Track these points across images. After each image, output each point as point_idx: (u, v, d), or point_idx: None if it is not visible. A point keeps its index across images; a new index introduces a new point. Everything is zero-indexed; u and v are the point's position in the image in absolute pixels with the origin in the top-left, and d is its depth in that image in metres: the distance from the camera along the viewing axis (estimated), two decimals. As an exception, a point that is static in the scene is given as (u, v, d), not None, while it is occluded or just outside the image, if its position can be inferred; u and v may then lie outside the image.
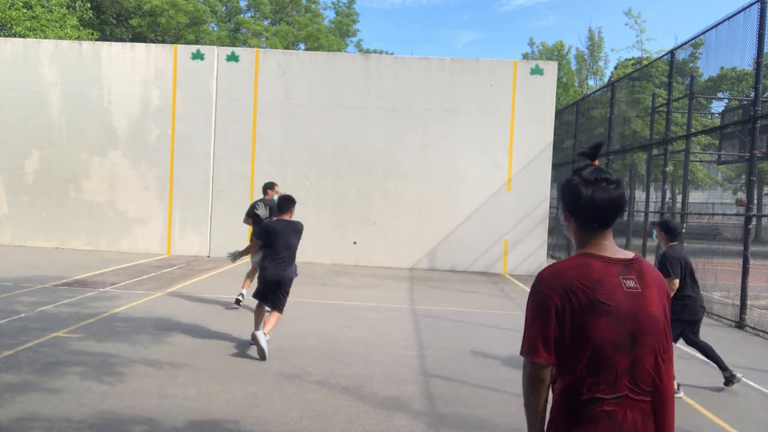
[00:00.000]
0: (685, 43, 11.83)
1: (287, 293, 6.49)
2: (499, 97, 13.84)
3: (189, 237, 14.15)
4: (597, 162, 1.89)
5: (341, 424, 4.39)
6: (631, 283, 1.74)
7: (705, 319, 9.32)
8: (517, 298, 10.29)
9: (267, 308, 6.96)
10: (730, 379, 5.64)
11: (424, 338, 7.14)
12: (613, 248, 1.82)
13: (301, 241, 6.52)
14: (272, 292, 6.40)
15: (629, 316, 1.71)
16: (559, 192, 1.86)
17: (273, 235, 6.27)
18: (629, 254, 1.82)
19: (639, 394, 1.72)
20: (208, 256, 14.03)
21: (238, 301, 8.33)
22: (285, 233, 6.30)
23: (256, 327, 6.44)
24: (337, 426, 4.34)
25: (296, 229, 6.44)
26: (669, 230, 5.70)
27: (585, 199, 1.78)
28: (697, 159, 20.33)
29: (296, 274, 6.63)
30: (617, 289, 1.72)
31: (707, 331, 8.44)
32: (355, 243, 9.83)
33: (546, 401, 1.83)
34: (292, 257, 6.43)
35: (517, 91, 13.84)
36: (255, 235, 7.89)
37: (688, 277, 5.56)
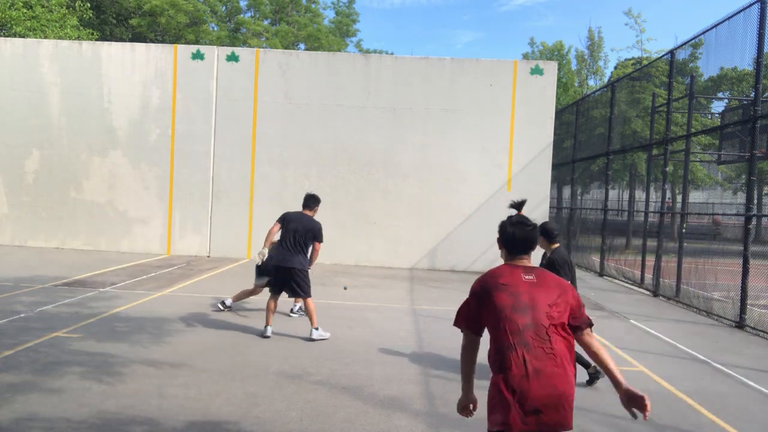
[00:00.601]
0: (685, 43, 11.82)
1: (301, 282, 6.69)
2: (499, 97, 13.84)
3: (189, 237, 14.15)
4: (522, 212, 2.97)
5: (341, 424, 4.39)
6: (529, 277, 2.70)
7: (705, 319, 9.34)
8: (517, 298, 10.28)
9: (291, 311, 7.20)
10: (594, 376, 5.56)
11: (424, 338, 7.14)
12: (524, 264, 2.80)
13: (315, 240, 6.82)
14: (282, 282, 6.71)
15: (525, 292, 2.64)
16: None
17: (285, 222, 6.76)
18: (534, 266, 2.78)
19: (541, 342, 2.55)
20: (208, 256, 14.03)
21: (223, 303, 8.04)
22: (294, 222, 6.72)
23: (267, 322, 6.75)
24: (337, 426, 4.34)
25: (306, 220, 6.75)
26: (546, 233, 5.59)
27: (508, 235, 2.82)
28: (697, 159, 20.32)
29: (306, 266, 6.81)
30: (518, 279, 2.68)
31: (708, 331, 8.45)
32: (346, 288, 10.25)
33: (472, 361, 2.81)
34: (299, 248, 6.68)
35: (517, 91, 13.84)
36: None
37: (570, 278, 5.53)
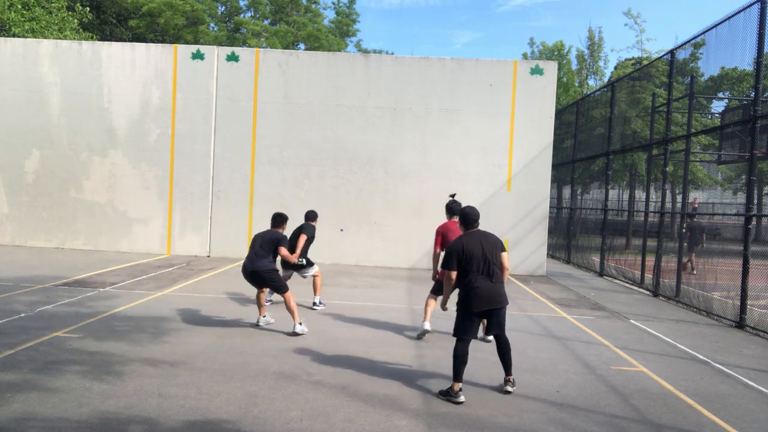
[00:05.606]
0: (685, 43, 11.80)
1: (271, 279, 7.11)
2: (499, 97, 13.84)
3: (189, 237, 14.15)
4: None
5: (341, 423, 4.38)
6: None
7: (705, 319, 9.33)
8: (518, 297, 10.28)
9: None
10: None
11: (424, 337, 7.14)
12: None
13: (281, 245, 7.23)
14: (253, 282, 7.19)
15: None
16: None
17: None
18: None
19: None
20: (208, 256, 14.03)
21: (314, 304, 8.75)
22: (258, 238, 7.28)
23: (261, 313, 7.42)
24: (337, 426, 4.34)
25: (269, 235, 7.23)
26: (460, 218, 5.72)
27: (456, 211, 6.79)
28: (697, 159, 20.31)
29: (268, 267, 7.12)
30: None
31: (708, 331, 8.45)
32: (342, 230, 12.08)
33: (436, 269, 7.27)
34: (261, 254, 7.09)
35: (517, 91, 13.84)
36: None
37: (471, 265, 5.23)
